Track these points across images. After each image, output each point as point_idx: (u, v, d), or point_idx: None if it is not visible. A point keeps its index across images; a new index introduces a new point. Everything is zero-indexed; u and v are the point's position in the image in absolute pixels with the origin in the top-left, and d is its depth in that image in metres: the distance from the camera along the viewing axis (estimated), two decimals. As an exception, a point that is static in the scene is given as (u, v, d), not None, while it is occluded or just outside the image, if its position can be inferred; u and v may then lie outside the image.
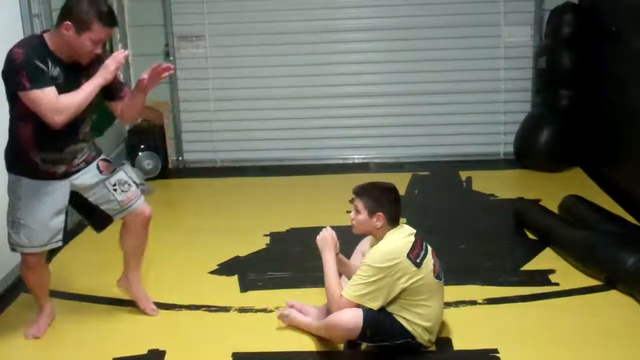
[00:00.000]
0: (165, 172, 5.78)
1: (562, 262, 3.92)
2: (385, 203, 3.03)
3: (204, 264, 4.04)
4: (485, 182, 5.39)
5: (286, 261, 4.07)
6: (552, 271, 3.83)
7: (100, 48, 3.00)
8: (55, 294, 3.77)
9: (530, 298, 3.56)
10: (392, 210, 3.04)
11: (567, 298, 3.56)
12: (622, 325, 3.27)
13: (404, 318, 2.98)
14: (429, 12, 5.83)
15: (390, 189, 3.10)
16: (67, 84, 2.95)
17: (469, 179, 5.50)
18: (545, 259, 3.99)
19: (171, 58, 5.92)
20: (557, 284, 3.69)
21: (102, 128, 5.26)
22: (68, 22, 2.88)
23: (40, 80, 2.85)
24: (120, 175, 3.26)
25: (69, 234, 3.73)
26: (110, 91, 3.14)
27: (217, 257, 4.06)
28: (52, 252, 4.23)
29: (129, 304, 3.48)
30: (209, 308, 3.56)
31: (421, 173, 5.69)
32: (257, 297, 3.65)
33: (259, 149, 6.11)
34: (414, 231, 3.08)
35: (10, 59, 2.86)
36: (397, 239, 3.01)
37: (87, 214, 3.32)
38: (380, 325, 2.98)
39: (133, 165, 5.62)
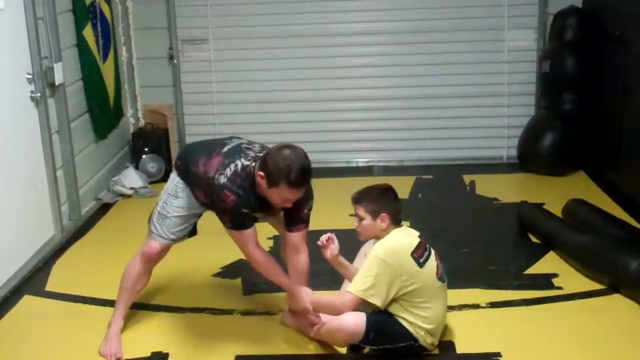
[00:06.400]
0: (169, 175, 5.75)
1: (566, 266, 3.92)
2: (386, 203, 3.04)
3: (208, 267, 4.04)
4: (488, 186, 5.38)
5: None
6: (555, 275, 3.83)
7: (291, 203, 2.96)
8: (57, 295, 3.79)
9: (534, 302, 3.55)
10: (394, 209, 3.05)
11: (570, 302, 3.56)
12: (625, 329, 3.27)
13: (407, 320, 2.98)
14: (433, 16, 5.83)
15: (389, 189, 3.11)
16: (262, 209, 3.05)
17: (472, 183, 5.50)
18: (549, 263, 3.99)
19: (175, 61, 5.94)
20: (560, 288, 3.69)
21: (106, 130, 5.27)
22: (261, 173, 2.88)
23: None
24: None
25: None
26: (290, 219, 3.13)
27: (220, 260, 4.06)
28: (54, 255, 4.28)
29: (131, 307, 3.44)
30: (212, 311, 3.56)
31: (425, 176, 5.68)
32: (261, 300, 3.65)
33: (263, 152, 6.10)
34: (418, 233, 3.09)
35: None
36: (403, 236, 3.03)
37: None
38: (383, 328, 2.99)
39: (137, 168, 5.63)
